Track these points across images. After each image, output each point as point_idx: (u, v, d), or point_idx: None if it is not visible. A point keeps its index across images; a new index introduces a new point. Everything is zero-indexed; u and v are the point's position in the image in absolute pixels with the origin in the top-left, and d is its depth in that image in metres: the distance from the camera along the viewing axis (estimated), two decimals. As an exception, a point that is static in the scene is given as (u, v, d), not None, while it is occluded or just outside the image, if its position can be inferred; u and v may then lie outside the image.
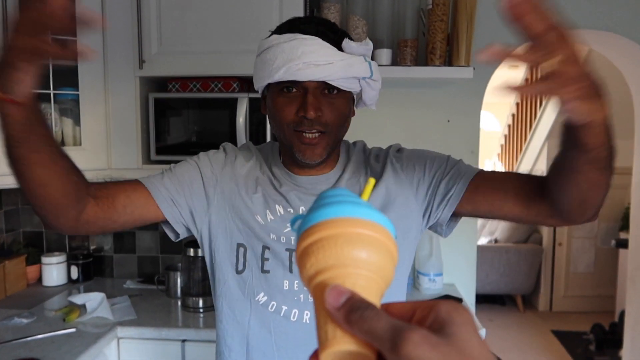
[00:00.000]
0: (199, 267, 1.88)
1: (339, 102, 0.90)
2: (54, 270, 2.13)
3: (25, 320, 1.72)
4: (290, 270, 0.93)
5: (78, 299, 1.80)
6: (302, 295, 0.93)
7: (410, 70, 1.80)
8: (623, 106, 2.89)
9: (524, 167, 5.21)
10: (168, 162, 1.34)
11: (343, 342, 0.32)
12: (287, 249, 0.94)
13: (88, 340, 1.58)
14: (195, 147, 1.83)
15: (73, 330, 1.65)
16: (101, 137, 1.86)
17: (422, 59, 1.88)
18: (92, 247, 2.28)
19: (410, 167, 0.98)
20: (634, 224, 2.58)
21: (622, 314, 3.17)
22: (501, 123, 6.66)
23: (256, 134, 1.79)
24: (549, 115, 4.59)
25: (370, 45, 0.91)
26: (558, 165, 0.78)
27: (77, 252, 2.24)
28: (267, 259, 0.94)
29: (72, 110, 1.84)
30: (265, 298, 0.94)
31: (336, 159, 1.00)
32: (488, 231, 4.97)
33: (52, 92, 1.77)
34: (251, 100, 1.77)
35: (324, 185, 0.97)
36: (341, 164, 1.00)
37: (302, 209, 0.95)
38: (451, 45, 1.80)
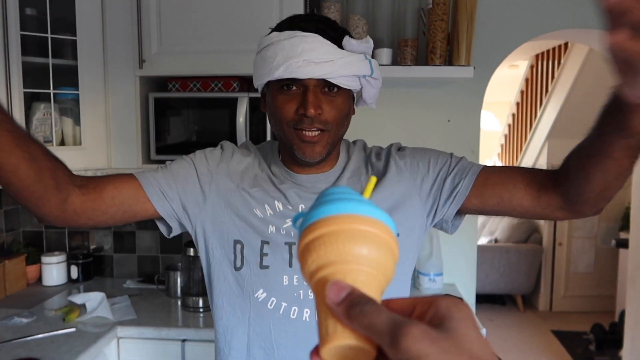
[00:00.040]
0: (199, 267, 1.87)
1: (339, 100, 0.90)
2: (54, 269, 2.13)
3: (25, 320, 1.72)
4: (290, 265, 0.93)
5: (78, 298, 1.80)
6: (301, 292, 0.93)
7: (411, 70, 1.80)
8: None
9: (524, 167, 5.20)
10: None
11: (343, 337, 0.33)
12: (286, 242, 0.93)
13: (88, 340, 1.58)
14: (196, 146, 1.81)
15: (73, 329, 1.65)
16: (101, 137, 1.86)
17: (423, 59, 1.88)
18: (92, 247, 2.28)
19: (414, 165, 0.98)
20: (634, 223, 2.58)
21: (622, 314, 3.18)
22: (501, 122, 6.66)
23: (256, 134, 1.79)
24: (549, 115, 4.59)
25: (371, 42, 0.91)
26: (587, 150, 0.76)
27: (77, 251, 2.24)
28: (266, 254, 0.93)
29: (72, 109, 1.84)
30: (265, 295, 0.93)
31: (336, 158, 1.00)
32: (488, 231, 4.97)
33: (52, 91, 1.77)
34: (251, 99, 1.77)
35: (323, 183, 0.97)
36: (341, 163, 1.00)
37: (301, 207, 0.95)
38: (451, 45, 1.80)
